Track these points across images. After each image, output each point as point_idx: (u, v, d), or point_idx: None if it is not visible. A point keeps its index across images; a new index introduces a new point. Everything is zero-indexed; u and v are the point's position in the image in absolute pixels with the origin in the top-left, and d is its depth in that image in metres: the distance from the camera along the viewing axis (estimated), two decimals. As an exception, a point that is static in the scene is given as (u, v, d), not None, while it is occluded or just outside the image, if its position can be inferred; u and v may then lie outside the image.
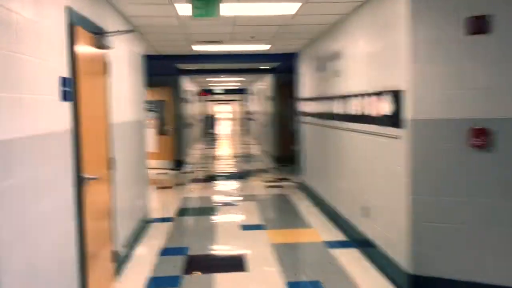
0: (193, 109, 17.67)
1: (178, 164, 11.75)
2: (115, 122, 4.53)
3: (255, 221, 6.41)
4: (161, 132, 11.45)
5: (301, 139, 8.62)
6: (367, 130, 4.66)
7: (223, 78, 16.51)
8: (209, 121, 30.20)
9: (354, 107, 5.05)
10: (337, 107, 5.79)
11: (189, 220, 6.83)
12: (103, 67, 4.11)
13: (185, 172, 11.25)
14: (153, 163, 11.20)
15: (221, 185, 9.81)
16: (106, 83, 4.21)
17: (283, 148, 11.82)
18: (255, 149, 17.40)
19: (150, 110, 11.49)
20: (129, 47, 5.50)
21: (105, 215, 4.04)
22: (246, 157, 14.81)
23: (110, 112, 4.29)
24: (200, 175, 10.93)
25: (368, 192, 4.69)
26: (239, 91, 26.23)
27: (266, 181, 9.81)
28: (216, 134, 28.52)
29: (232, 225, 6.32)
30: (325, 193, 6.60)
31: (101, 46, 3.88)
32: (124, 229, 4.75)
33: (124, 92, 5.13)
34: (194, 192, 8.87)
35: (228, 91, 25.39)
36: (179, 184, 9.69)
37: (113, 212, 4.28)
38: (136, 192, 5.66)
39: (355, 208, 5.14)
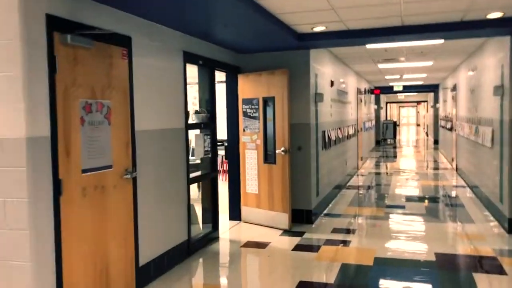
0: (355, 112, 12.10)
1: (301, 217, 6.51)
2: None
3: None
4: (268, 158, 6.36)
5: None
6: None
7: (404, 65, 10.56)
8: (387, 128, 24.00)
9: None
10: None
11: None
12: None
13: (311, 247, 5.94)
14: (251, 215, 6.29)
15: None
16: None
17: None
18: (452, 179, 10.97)
19: (248, 116, 6.49)
20: None
21: None
22: (444, 201, 8.67)
23: None
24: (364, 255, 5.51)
25: None
26: (426, 88, 19.54)
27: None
28: (394, 145, 22.13)
29: None
30: None
31: None
32: None
33: None
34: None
35: (410, 89, 18.99)
36: None
37: None
38: None
39: None
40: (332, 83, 8.30)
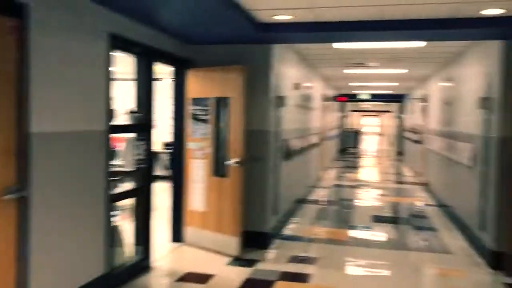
0: (318, 120, 11.28)
1: (256, 241, 5.55)
2: None
3: None
4: (219, 169, 5.34)
5: None
6: None
7: (371, 71, 9.81)
8: (350, 137, 23.49)
9: None
10: None
11: None
12: None
13: (263, 284, 4.97)
14: (196, 236, 5.31)
15: None
16: None
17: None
18: (420, 195, 10.33)
19: (197, 119, 5.49)
20: None
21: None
22: (413, 221, 7.91)
23: None
24: None
25: None
26: (394, 98, 19.09)
27: None
28: (357, 155, 21.59)
29: None
30: None
31: None
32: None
33: None
34: None
35: (376, 98, 18.47)
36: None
37: None
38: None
39: None
40: (296, 87, 7.39)
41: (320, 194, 9.79)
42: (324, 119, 12.29)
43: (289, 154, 6.79)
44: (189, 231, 5.60)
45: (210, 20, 4.44)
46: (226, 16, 4.24)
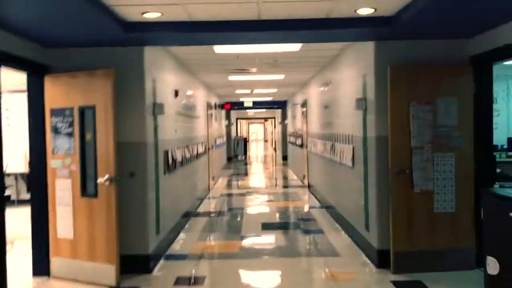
0: (205, 129, 10.94)
1: (136, 265, 4.98)
2: None
3: None
4: (88, 189, 4.68)
5: None
6: None
7: (253, 77, 9.74)
8: (238, 144, 23.57)
9: None
10: None
11: None
12: None
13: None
14: (64, 268, 4.61)
15: None
16: None
17: (413, 233, 4.87)
18: (305, 198, 10.50)
19: (59, 132, 4.81)
20: None
21: None
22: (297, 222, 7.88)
23: None
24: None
25: None
26: (276, 105, 19.55)
27: None
28: (247, 163, 21.71)
29: None
30: None
31: None
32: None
33: None
34: None
35: (260, 105, 18.75)
36: None
37: None
38: None
39: None
40: (176, 93, 6.94)
41: (209, 205, 9.42)
42: (210, 127, 11.98)
43: (172, 166, 6.31)
44: (56, 262, 4.83)
45: (67, 19, 3.83)
46: (86, 14, 3.67)
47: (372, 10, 4.05)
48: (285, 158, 20.34)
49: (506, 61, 5.08)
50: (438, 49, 4.96)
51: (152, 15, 4.12)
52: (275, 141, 29.96)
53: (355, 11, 4.08)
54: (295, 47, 5.86)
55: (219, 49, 6.13)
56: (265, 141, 44.73)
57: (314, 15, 4.24)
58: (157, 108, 5.44)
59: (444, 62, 4.93)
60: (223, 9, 4.00)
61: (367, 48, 5.25)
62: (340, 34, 4.67)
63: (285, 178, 14.49)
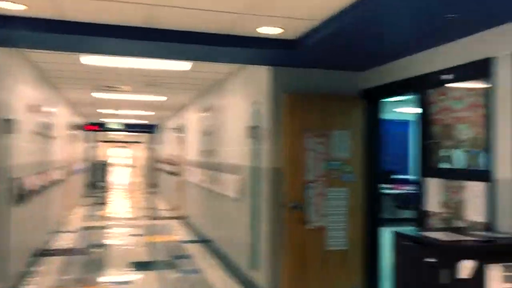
0: (64, 151, 9.59)
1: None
2: None
3: None
4: None
5: None
6: None
7: (123, 96, 8.83)
8: (99, 169, 21.69)
9: None
10: None
11: None
12: None
13: None
14: None
15: None
16: None
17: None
18: (180, 231, 9.75)
19: None
20: None
21: None
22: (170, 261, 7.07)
23: None
24: None
25: None
26: (145, 129, 18.50)
27: None
28: (107, 189, 20.02)
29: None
30: None
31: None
32: None
33: None
34: None
35: (131, 128, 17.55)
36: None
37: None
38: None
39: None
40: (32, 109, 5.80)
41: (65, 240, 8.10)
42: (70, 150, 10.58)
43: (23, 196, 5.14)
44: None
45: None
46: None
47: (281, 31, 3.68)
48: (153, 185, 19.22)
49: (391, 97, 5.13)
50: (334, 80, 4.81)
51: (13, 7, 3.20)
52: (142, 167, 28.45)
53: (256, 29, 3.68)
54: (186, 66, 5.27)
55: (85, 59, 5.23)
56: (132, 166, 42.55)
57: (215, 30, 3.73)
58: (7, 125, 4.34)
59: (339, 94, 4.79)
60: (103, 8, 3.26)
61: (260, 73, 4.89)
62: (238, 53, 4.21)
63: (153, 208, 13.48)
